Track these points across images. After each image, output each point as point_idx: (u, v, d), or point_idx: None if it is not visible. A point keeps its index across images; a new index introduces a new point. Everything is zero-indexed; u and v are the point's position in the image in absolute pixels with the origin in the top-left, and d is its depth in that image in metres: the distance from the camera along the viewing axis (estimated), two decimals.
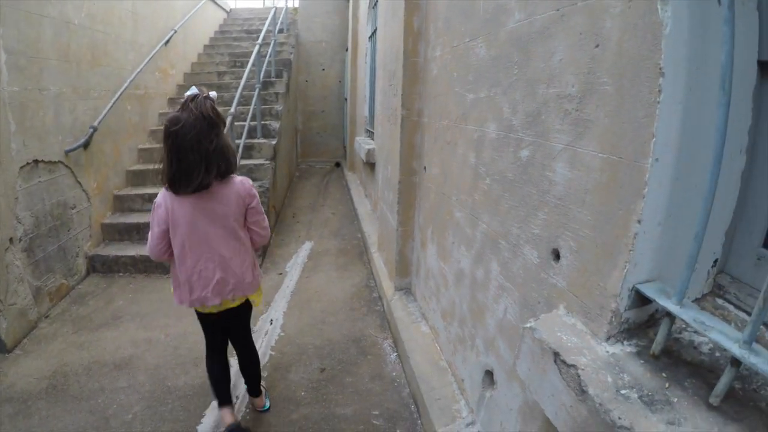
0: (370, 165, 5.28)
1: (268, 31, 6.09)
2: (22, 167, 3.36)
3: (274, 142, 5.51)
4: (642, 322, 1.15)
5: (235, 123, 4.77)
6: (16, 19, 3.28)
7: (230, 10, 10.56)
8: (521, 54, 1.47)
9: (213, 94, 1.84)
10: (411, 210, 2.93)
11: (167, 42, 6.21)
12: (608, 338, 1.12)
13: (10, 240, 3.19)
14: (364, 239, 4.85)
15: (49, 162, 3.73)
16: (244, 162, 4.88)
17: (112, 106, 4.55)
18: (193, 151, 1.69)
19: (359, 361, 2.86)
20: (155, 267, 4.29)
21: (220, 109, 1.92)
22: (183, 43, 7.18)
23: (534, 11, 1.40)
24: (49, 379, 2.79)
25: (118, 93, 4.69)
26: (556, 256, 1.30)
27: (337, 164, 9.88)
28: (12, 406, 2.58)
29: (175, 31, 6.46)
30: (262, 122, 5.80)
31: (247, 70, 5.00)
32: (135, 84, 5.14)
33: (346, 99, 9.34)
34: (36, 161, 3.54)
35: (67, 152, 3.94)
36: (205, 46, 8.51)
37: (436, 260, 2.49)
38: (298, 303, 3.64)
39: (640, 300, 1.09)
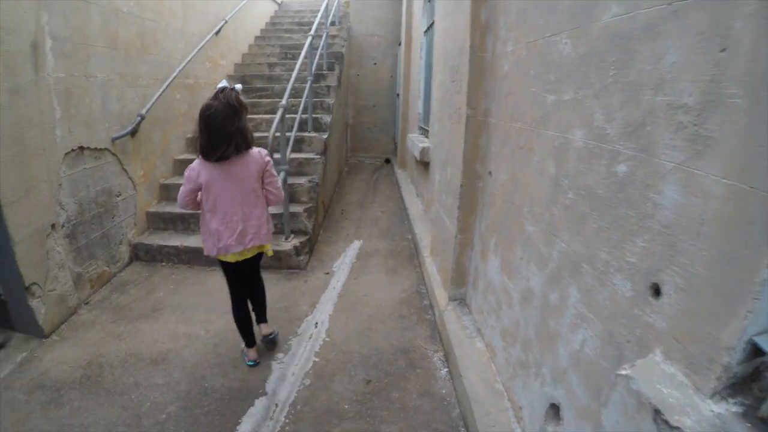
0: (424, 164, 5.16)
1: (320, 23, 6.07)
2: (66, 154, 3.44)
3: (325, 136, 5.50)
4: (746, 375, 1.00)
5: (286, 115, 4.75)
6: (62, 5, 3.35)
7: (281, 2, 10.76)
8: (620, 53, 1.32)
9: (238, 86, 2.44)
10: (472, 216, 2.80)
11: (218, 32, 6.30)
12: (713, 395, 0.98)
13: (52, 226, 3.28)
14: (415, 241, 4.75)
15: (95, 149, 3.82)
16: (294, 155, 4.88)
17: (160, 95, 4.63)
18: (220, 130, 2.31)
19: (407, 375, 2.76)
20: (199, 258, 4.35)
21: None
22: (234, 34, 7.29)
23: (637, 5, 1.26)
24: (84, 369, 2.84)
25: (167, 81, 4.78)
26: (656, 291, 1.16)
27: (387, 160, 9.82)
28: (45, 393, 2.63)
29: (226, 21, 6.55)
30: (313, 115, 5.80)
31: (299, 62, 4.97)
32: (184, 73, 5.23)
33: (398, 94, 9.29)
34: (81, 148, 3.62)
35: (113, 140, 4.04)
36: (256, 37, 8.66)
37: (499, 274, 2.36)
38: (344, 306, 3.59)
39: (753, 353, 0.95)
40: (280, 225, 4.36)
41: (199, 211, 2.60)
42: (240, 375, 2.76)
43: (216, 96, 2.33)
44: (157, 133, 4.88)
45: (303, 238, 4.40)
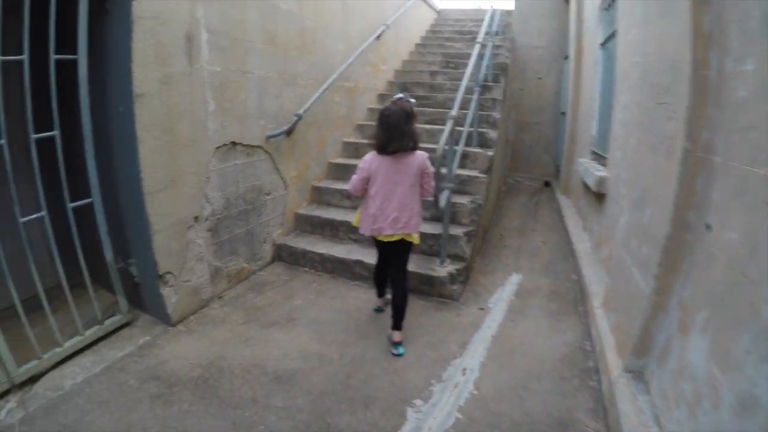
0: (597, 195, 4.62)
1: (485, 33, 5.87)
2: (217, 147, 3.59)
3: (490, 153, 5.25)
4: None
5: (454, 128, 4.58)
6: None
7: (440, 10, 10.99)
8: None
9: (412, 100, 3.18)
10: (672, 276, 2.30)
11: (379, 36, 6.42)
12: None
13: (195, 218, 3.43)
14: (582, 284, 4.26)
15: (248, 145, 3.96)
16: (457, 172, 4.65)
17: (319, 96, 4.73)
18: (396, 128, 2.99)
19: None
20: (344, 270, 4.35)
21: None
22: (394, 40, 7.46)
23: None
24: (203, 369, 2.85)
25: (327, 83, 4.90)
26: None
27: (547, 183, 9.28)
28: (157, 386, 2.67)
29: (388, 26, 6.70)
30: (479, 130, 5.60)
31: (468, 71, 4.81)
32: (344, 76, 5.36)
33: (563, 113, 8.72)
34: (233, 143, 3.78)
35: (268, 137, 4.20)
36: (416, 44, 8.87)
37: (706, 361, 1.88)
38: (498, 353, 3.25)
39: None
40: (436, 247, 4.22)
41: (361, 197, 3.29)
42: (370, 417, 2.57)
43: (394, 102, 3.09)
44: (313, 134, 5.03)
45: (459, 265, 4.18)
